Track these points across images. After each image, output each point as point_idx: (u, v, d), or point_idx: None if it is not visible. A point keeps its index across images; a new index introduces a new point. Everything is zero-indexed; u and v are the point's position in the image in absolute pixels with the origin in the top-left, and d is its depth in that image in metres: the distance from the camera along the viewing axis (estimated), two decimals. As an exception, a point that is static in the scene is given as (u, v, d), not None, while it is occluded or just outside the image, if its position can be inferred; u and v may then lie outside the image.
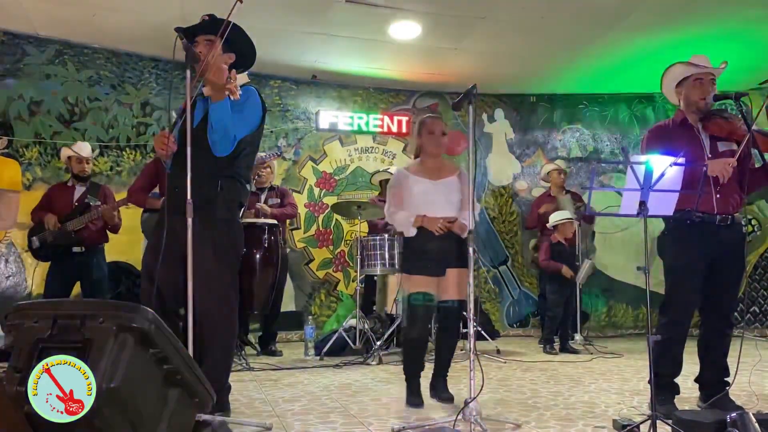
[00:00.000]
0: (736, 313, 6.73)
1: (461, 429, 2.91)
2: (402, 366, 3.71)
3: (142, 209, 5.26)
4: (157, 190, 5.06)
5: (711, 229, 3.23)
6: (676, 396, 3.36)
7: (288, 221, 6.39)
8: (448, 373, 3.70)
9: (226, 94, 2.81)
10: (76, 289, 5.39)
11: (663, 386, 3.25)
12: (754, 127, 3.16)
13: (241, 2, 2.76)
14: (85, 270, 5.25)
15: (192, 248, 2.80)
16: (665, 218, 3.32)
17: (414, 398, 3.55)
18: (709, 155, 3.28)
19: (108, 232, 5.39)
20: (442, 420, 3.10)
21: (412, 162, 3.84)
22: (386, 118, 7.62)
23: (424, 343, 3.64)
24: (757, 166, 3.34)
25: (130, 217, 5.66)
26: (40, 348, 1.91)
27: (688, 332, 3.33)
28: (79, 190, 5.35)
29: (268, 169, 5.93)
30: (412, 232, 3.57)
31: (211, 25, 3.01)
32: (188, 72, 2.97)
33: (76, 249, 5.18)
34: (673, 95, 3.49)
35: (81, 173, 5.35)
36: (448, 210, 3.57)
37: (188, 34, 3.01)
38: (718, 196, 3.21)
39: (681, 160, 2.74)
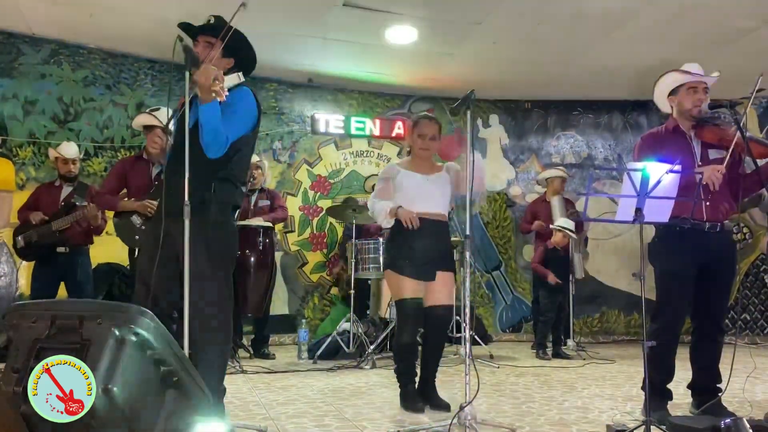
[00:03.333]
0: (727, 321, 6.75)
1: (456, 433, 2.91)
2: (395, 372, 3.67)
3: (113, 213, 5.06)
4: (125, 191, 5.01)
5: (700, 236, 3.26)
6: (669, 402, 3.38)
7: (282, 224, 6.38)
8: (436, 378, 3.67)
9: (213, 96, 2.78)
10: (62, 290, 5.31)
11: (655, 392, 3.26)
12: (748, 134, 3.19)
13: (245, 6, 2.74)
14: (69, 271, 5.19)
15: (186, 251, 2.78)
16: (656, 225, 3.35)
17: (412, 403, 3.49)
18: (700, 162, 3.31)
19: (93, 233, 5.33)
20: (437, 424, 3.10)
21: (405, 159, 3.83)
22: (381, 122, 7.64)
23: (416, 347, 3.61)
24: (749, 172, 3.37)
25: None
26: (38, 348, 1.90)
27: (679, 338, 3.36)
28: (66, 190, 5.30)
29: (260, 171, 5.91)
30: (387, 223, 3.57)
31: (213, 27, 2.98)
32: (187, 73, 2.96)
33: (60, 249, 5.12)
34: (665, 103, 3.50)
35: (67, 174, 5.30)
36: (440, 203, 3.60)
37: (189, 33, 2.99)
38: (707, 204, 3.24)
39: (677, 167, 2.76)
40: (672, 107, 3.46)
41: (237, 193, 3.07)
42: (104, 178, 5.51)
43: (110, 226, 5.34)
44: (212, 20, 2.99)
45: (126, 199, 4.80)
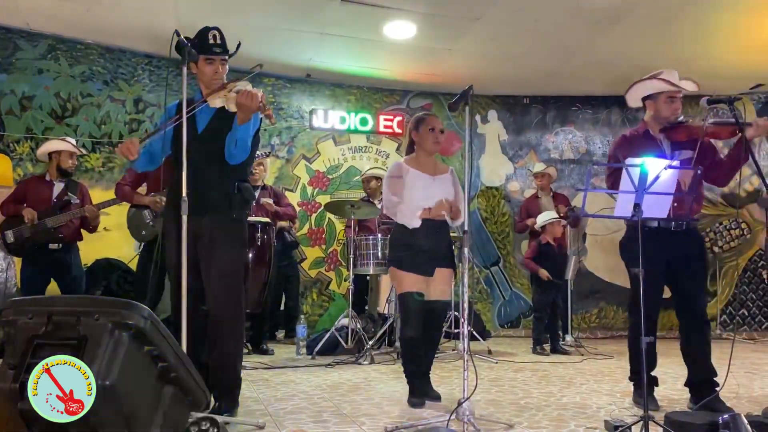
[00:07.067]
0: (725, 316, 6.76)
1: (454, 429, 2.91)
2: (403, 366, 3.73)
3: (129, 205, 5.15)
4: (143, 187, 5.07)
5: (665, 234, 3.33)
6: (655, 388, 3.49)
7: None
8: (431, 371, 3.75)
9: (259, 115, 3.02)
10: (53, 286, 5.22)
11: (640, 382, 3.32)
12: (711, 120, 3.32)
13: (261, 67, 3.14)
14: (62, 268, 5.07)
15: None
16: (626, 224, 3.42)
17: (414, 398, 3.56)
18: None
19: (84, 231, 5.21)
20: (435, 420, 3.10)
21: (408, 157, 3.82)
22: (380, 118, 7.63)
23: (420, 340, 3.64)
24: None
25: (120, 213, 5.61)
26: (35, 344, 1.89)
27: (656, 326, 3.48)
28: (59, 186, 5.13)
29: (261, 167, 5.91)
30: (415, 223, 3.56)
31: (226, 49, 3.16)
32: (184, 69, 3.03)
33: (52, 246, 4.99)
34: (636, 103, 3.61)
35: (69, 168, 5.16)
36: None
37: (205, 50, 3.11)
38: (675, 204, 3.27)
39: (676, 163, 2.76)
40: (647, 111, 3.55)
41: (252, 191, 3.32)
42: (128, 169, 5.46)
43: (106, 222, 5.35)
44: (218, 37, 3.12)
45: (145, 193, 4.98)
